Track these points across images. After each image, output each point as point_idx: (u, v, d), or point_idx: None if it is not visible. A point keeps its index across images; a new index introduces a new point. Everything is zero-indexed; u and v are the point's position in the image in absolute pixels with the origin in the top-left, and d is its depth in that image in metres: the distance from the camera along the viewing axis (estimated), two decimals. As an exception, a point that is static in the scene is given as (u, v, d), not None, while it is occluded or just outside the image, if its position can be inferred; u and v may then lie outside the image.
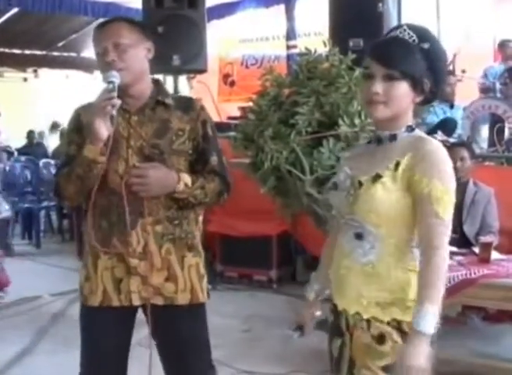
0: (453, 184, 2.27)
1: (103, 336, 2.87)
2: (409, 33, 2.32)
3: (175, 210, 2.85)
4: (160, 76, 8.53)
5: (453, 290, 4.09)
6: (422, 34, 2.34)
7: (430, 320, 2.15)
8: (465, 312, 4.92)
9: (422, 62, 2.29)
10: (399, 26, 2.38)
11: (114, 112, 2.63)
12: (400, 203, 2.29)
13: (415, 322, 2.16)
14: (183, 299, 2.88)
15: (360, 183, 2.33)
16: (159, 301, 2.84)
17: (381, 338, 2.34)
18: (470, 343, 4.53)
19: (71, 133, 2.90)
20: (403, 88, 2.30)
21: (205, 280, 3.02)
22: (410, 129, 2.38)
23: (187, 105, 2.94)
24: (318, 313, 2.74)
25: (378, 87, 2.30)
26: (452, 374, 4.35)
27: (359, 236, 2.36)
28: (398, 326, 2.33)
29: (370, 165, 2.36)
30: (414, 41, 2.31)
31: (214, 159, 2.93)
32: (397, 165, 2.28)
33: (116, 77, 2.67)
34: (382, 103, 2.31)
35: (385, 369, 2.34)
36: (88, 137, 2.68)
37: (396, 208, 2.29)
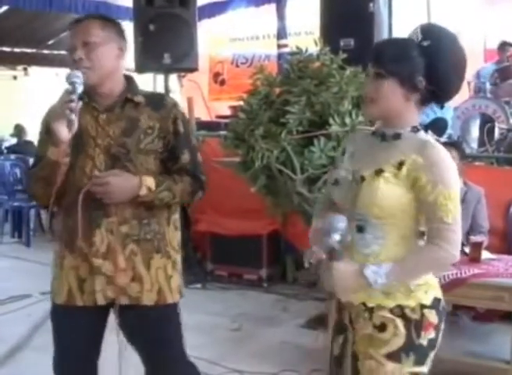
0: (457, 189, 2.32)
1: (68, 334, 2.90)
2: (417, 32, 2.34)
3: (144, 209, 2.82)
4: (150, 75, 8.53)
5: (443, 289, 4.09)
6: (427, 32, 2.34)
7: (380, 277, 2.28)
8: (455, 312, 4.94)
9: (418, 60, 2.30)
10: (416, 27, 2.40)
11: (72, 117, 2.57)
12: (402, 198, 2.33)
13: (369, 270, 2.29)
14: (148, 300, 2.86)
15: (363, 178, 2.37)
16: (125, 300, 2.83)
17: (382, 326, 2.38)
18: (460, 342, 4.55)
19: (43, 133, 2.87)
20: (389, 85, 2.33)
21: (175, 279, 2.96)
22: (416, 129, 2.41)
23: (159, 102, 2.90)
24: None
25: (369, 85, 2.40)
26: (441, 373, 4.35)
27: (361, 228, 2.40)
28: (401, 312, 2.37)
29: (373, 161, 2.40)
30: (417, 38, 2.33)
31: (185, 158, 2.89)
32: (401, 164, 2.32)
33: (79, 78, 2.64)
34: (370, 100, 2.39)
35: (388, 356, 2.37)
36: (50, 139, 2.65)
37: (398, 202, 2.33)
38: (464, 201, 5.07)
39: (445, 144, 5.53)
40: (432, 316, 2.39)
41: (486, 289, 4.15)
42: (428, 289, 2.41)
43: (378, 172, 2.34)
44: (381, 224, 2.36)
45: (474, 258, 4.40)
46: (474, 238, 4.64)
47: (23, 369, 4.85)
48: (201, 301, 6.03)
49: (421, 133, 2.42)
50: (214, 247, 7.19)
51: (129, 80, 2.92)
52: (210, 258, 7.21)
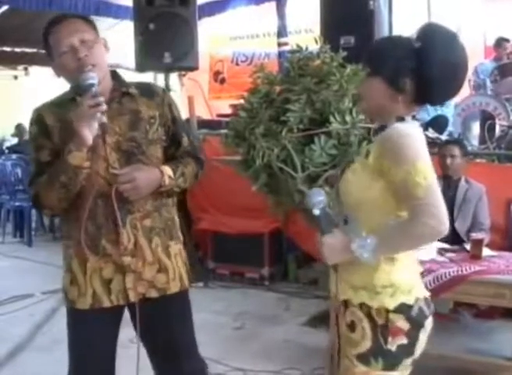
0: (423, 160, 2.24)
1: (94, 338, 2.87)
2: (416, 32, 2.34)
3: (161, 199, 2.86)
4: (151, 74, 8.53)
5: (444, 286, 4.11)
6: (422, 33, 2.33)
7: (366, 252, 2.26)
8: (457, 309, 4.94)
9: (405, 61, 2.30)
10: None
11: (104, 119, 2.57)
12: (370, 189, 2.31)
13: (356, 244, 2.27)
14: (174, 287, 2.89)
15: (343, 170, 2.46)
16: (153, 293, 2.84)
17: (352, 325, 2.39)
18: (461, 339, 4.55)
19: (38, 137, 2.78)
20: (374, 83, 2.37)
21: (187, 262, 3.02)
22: (401, 119, 2.36)
23: (150, 90, 2.90)
24: None
25: (362, 82, 2.50)
26: (443, 370, 4.36)
27: (345, 221, 2.42)
28: (368, 312, 2.35)
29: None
30: (412, 39, 2.33)
31: (185, 140, 2.95)
32: (368, 153, 2.36)
33: (94, 79, 2.59)
34: (361, 97, 2.50)
35: (358, 357, 2.38)
36: (72, 144, 2.59)
37: (365, 193, 2.32)
38: (465, 198, 5.09)
39: (447, 141, 5.60)
40: (399, 322, 2.32)
41: (487, 286, 4.15)
42: (394, 293, 2.34)
43: (349, 163, 2.43)
44: (355, 217, 2.37)
45: (475, 256, 4.40)
46: (474, 235, 4.64)
47: (24, 369, 4.84)
48: (203, 299, 6.03)
49: (398, 124, 2.35)
50: (215, 245, 7.20)
51: (114, 74, 2.89)
52: (212, 256, 7.22)
